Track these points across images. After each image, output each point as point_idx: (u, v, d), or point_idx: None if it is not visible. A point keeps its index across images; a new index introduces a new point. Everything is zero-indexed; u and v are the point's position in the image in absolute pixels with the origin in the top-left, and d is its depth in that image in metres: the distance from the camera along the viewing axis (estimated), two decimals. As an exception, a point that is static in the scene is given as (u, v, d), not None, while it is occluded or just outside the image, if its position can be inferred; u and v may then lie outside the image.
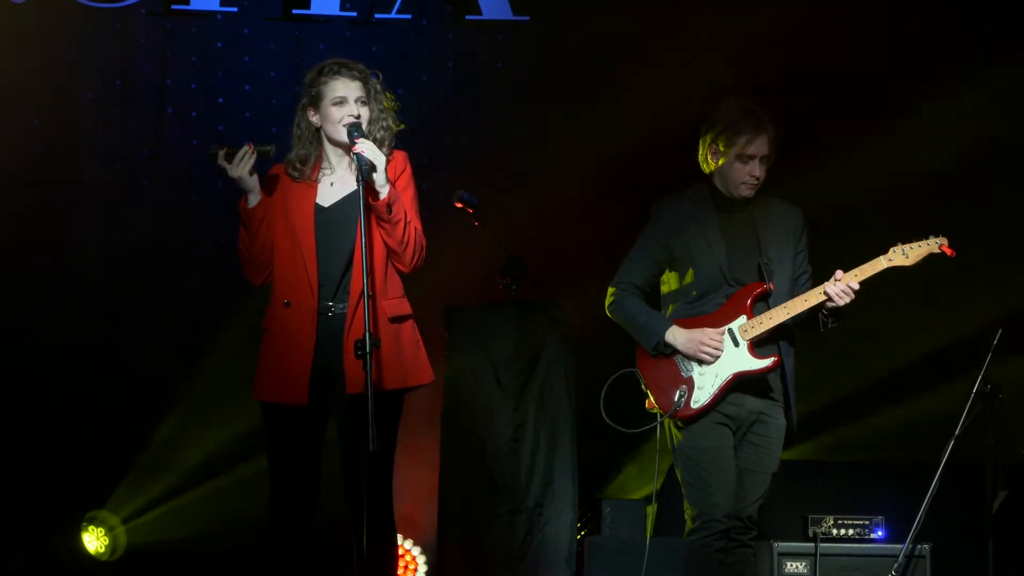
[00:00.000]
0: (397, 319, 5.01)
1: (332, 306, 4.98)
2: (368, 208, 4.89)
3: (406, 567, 7.49)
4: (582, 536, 7.04)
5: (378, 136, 5.01)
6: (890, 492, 6.97)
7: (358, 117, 4.98)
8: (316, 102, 5.03)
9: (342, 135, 4.98)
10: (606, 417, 5.53)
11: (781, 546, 6.49)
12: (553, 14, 8.04)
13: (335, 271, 4.99)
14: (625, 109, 7.89)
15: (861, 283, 5.36)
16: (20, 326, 7.61)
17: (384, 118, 5.05)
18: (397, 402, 5.03)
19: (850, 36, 7.88)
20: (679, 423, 5.45)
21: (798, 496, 6.85)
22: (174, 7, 7.93)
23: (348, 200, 5.01)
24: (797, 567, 6.48)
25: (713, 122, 5.51)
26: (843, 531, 6.59)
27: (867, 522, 6.61)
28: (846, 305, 5.36)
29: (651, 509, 6.89)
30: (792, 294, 5.46)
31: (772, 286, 5.43)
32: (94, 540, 7.57)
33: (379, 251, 4.99)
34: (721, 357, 5.39)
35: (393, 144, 5.07)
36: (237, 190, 5.03)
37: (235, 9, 7.97)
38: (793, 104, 7.17)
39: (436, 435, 7.05)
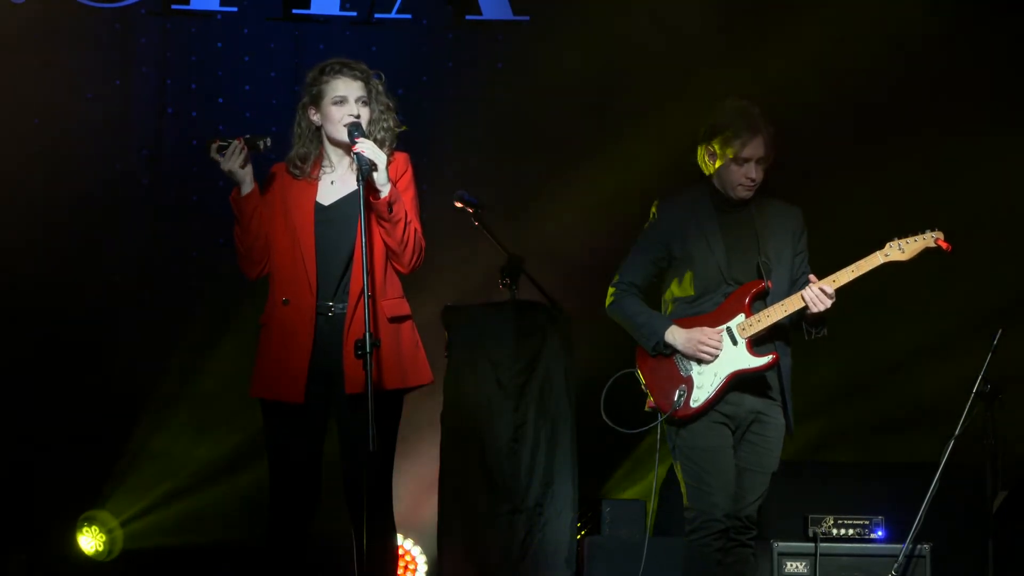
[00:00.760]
0: (396, 319, 5.01)
1: (332, 306, 4.98)
2: (368, 207, 4.89)
3: (406, 567, 7.49)
4: (582, 536, 7.04)
5: (379, 137, 5.01)
6: (890, 492, 6.97)
7: (358, 117, 4.98)
8: (317, 101, 5.03)
9: (342, 135, 4.98)
10: (606, 418, 5.53)
11: (781, 546, 6.49)
12: (553, 14, 8.04)
13: (334, 270, 4.99)
14: (625, 109, 7.89)
15: (858, 278, 5.36)
16: (20, 326, 7.61)
17: (385, 119, 5.05)
18: (396, 402, 5.03)
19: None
20: (679, 422, 5.45)
21: (798, 496, 6.85)
22: (174, 7, 7.93)
23: (349, 199, 5.01)
24: (797, 567, 6.49)
25: (710, 124, 5.51)
26: (843, 531, 6.59)
27: (867, 522, 6.61)
28: (827, 311, 5.35)
29: (651, 509, 6.89)
30: (791, 293, 5.45)
31: (770, 284, 5.43)
32: (91, 540, 7.57)
33: (379, 251, 4.99)
34: (720, 356, 5.39)
35: (394, 144, 5.07)
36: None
37: (235, 9, 7.97)
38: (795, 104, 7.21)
39: (436, 435, 7.04)
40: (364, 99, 5.01)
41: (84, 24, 7.85)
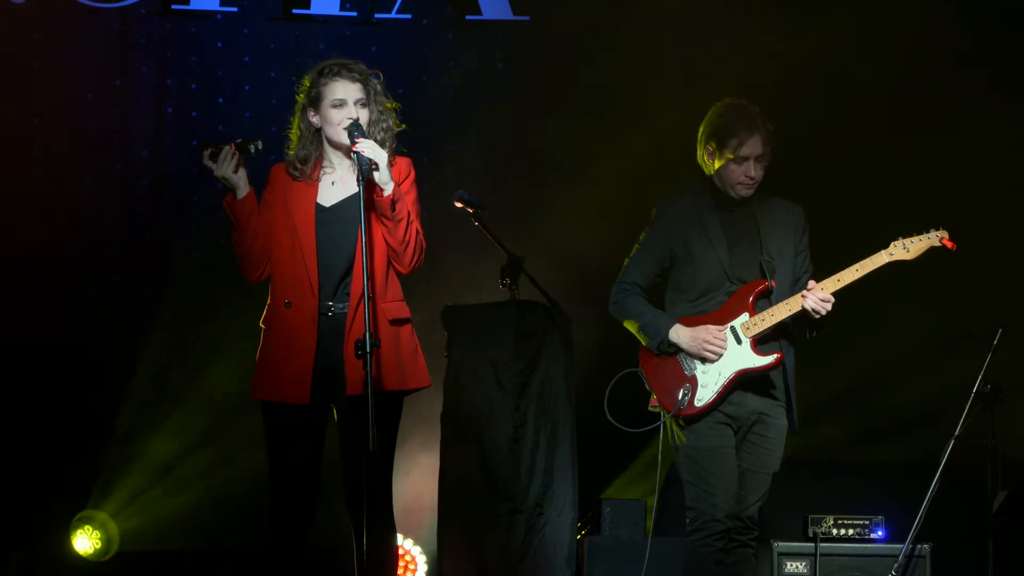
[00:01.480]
0: (397, 322, 5.01)
1: (332, 306, 4.98)
2: (369, 208, 4.89)
3: (406, 567, 7.49)
4: (582, 536, 7.04)
5: (378, 137, 5.01)
6: (890, 492, 6.97)
7: (356, 119, 4.97)
8: (316, 103, 5.02)
9: (342, 137, 4.98)
10: (610, 417, 5.53)
11: (781, 546, 6.49)
12: (553, 14, 8.04)
13: (335, 271, 4.99)
14: (625, 109, 7.89)
15: (862, 278, 5.36)
16: (20, 325, 7.61)
17: (384, 119, 5.05)
18: (396, 404, 5.03)
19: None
20: (681, 422, 5.45)
21: (798, 496, 6.85)
22: (174, 7, 7.93)
23: (349, 200, 5.01)
24: (797, 567, 6.49)
25: (708, 124, 5.52)
26: (843, 531, 6.59)
27: (867, 522, 6.61)
28: (828, 314, 5.36)
29: (652, 508, 6.89)
30: (793, 292, 5.46)
31: (774, 283, 5.43)
32: (87, 541, 7.56)
33: (380, 253, 4.99)
34: (724, 355, 5.39)
35: (394, 144, 5.07)
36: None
37: (235, 9, 7.97)
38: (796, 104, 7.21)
39: (436, 435, 7.04)
40: (363, 101, 5.01)
41: (84, 24, 7.84)
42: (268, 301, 5.08)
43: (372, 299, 4.89)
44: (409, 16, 8.06)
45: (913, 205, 7.51)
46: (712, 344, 5.38)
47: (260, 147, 4.99)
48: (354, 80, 5.01)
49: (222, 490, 7.62)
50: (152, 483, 7.72)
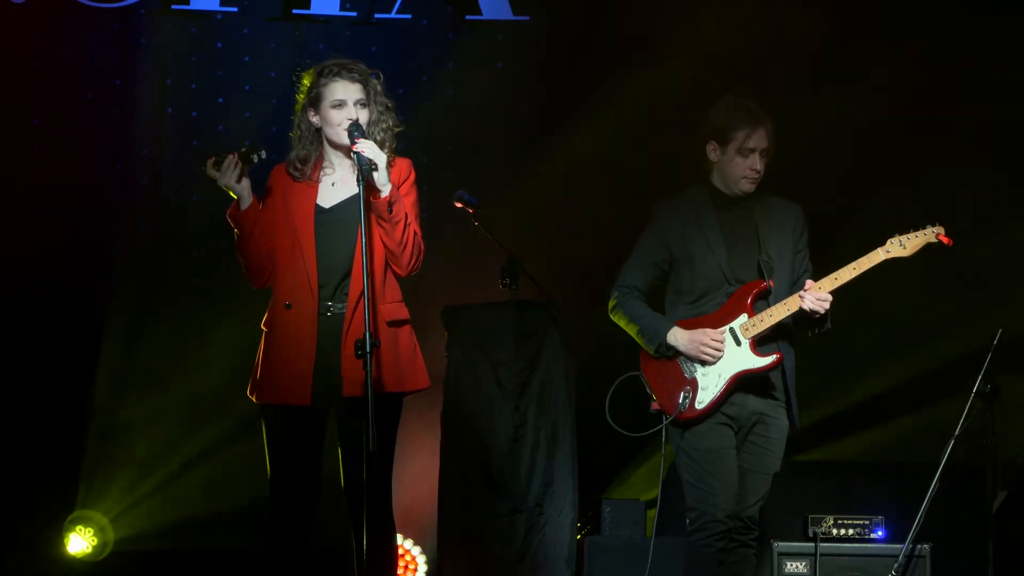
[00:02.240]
0: (395, 323, 5.00)
1: (331, 306, 4.98)
2: (369, 209, 4.89)
3: (406, 567, 7.49)
4: (582, 536, 7.04)
5: (378, 138, 5.00)
6: (890, 492, 6.97)
7: (357, 119, 4.97)
8: (316, 104, 5.02)
9: (342, 138, 4.98)
10: (611, 422, 5.53)
11: (781, 546, 6.49)
12: (553, 14, 8.04)
13: (335, 272, 4.98)
14: (625, 109, 7.89)
15: (859, 275, 5.36)
16: (19, 325, 7.61)
17: (384, 119, 5.04)
18: (395, 405, 5.03)
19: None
20: (683, 424, 5.45)
21: (798, 496, 6.85)
22: (174, 7, 7.92)
23: (349, 201, 5.00)
24: (797, 567, 6.48)
25: (711, 120, 5.53)
26: (843, 531, 6.59)
27: (867, 522, 6.61)
28: (827, 312, 5.35)
29: (655, 509, 6.89)
30: (793, 292, 5.46)
31: (772, 284, 5.43)
32: (82, 541, 7.56)
33: (379, 254, 4.98)
34: (723, 357, 5.39)
35: (394, 145, 5.06)
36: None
37: (235, 9, 7.97)
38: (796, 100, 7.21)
39: (436, 435, 7.04)
40: (363, 101, 5.00)
41: (84, 24, 7.84)
42: (269, 303, 5.09)
43: (371, 300, 4.89)
44: (409, 16, 8.05)
45: (913, 203, 7.51)
46: (710, 347, 5.38)
47: (263, 156, 4.98)
48: (354, 80, 5.00)
49: (221, 489, 7.62)
50: (147, 482, 7.70)
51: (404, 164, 5.07)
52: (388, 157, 4.98)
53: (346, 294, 4.97)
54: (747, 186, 5.48)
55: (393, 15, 8.04)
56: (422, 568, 7.55)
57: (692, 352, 5.41)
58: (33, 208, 7.66)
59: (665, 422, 5.46)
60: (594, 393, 5.61)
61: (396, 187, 4.96)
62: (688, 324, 5.44)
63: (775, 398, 5.49)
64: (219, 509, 7.57)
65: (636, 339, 5.53)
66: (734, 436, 5.46)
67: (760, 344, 5.40)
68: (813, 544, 6.49)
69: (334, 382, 4.95)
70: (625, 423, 5.53)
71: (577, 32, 8.00)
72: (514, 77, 8.09)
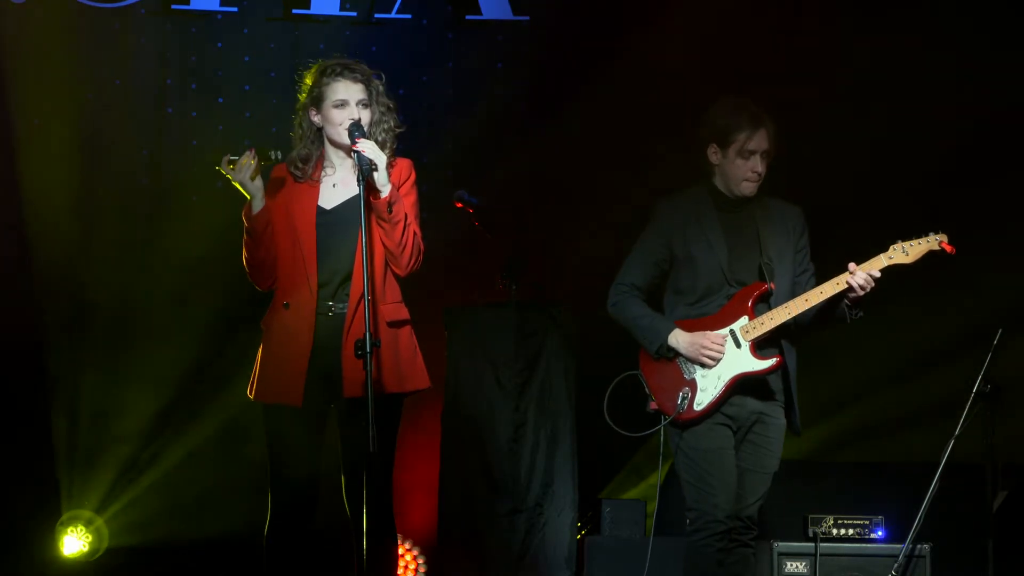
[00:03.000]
0: (395, 324, 5.00)
1: (332, 306, 4.98)
2: (369, 209, 4.89)
3: (406, 567, 7.50)
4: (582, 536, 7.04)
5: (379, 138, 5.01)
6: (890, 492, 6.97)
7: (358, 120, 4.97)
8: (318, 103, 5.02)
9: (343, 137, 4.98)
10: (610, 421, 5.53)
11: (781, 546, 6.49)
12: (553, 14, 8.04)
13: (336, 274, 4.99)
14: (625, 108, 7.88)
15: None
16: (18, 324, 7.61)
17: (386, 120, 5.05)
18: (395, 406, 5.03)
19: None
20: (681, 425, 5.44)
21: (798, 496, 6.85)
22: (174, 7, 7.92)
23: (350, 203, 5.01)
24: (797, 567, 6.48)
25: (711, 121, 5.52)
26: (843, 531, 6.59)
27: (867, 522, 6.61)
28: (867, 295, 5.35)
29: (652, 509, 6.89)
30: (793, 294, 5.46)
31: (773, 286, 5.43)
32: (77, 540, 7.55)
33: (379, 255, 4.99)
34: (723, 359, 5.39)
35: (395, 145, 5.06)
36: (239, 190, 5.03)
37: (235, 9, 7.96)
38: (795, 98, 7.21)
39: (436, 435, 7.04)
40: (365, 101, 5.00)
41: (84, 24, 7.84)
42: (270, 303, 5.09)
43: (371, 300, 4.89)
44: (409, 16, 8.05)
45: (913, 204, 7.51)
46: (710, 350, 5.37)
47: (279, 156, 4.99)
48: (356, 81, 5.00)
49: (220, 488, 7.61)
50: (144, 481, 7.70)
51: (404, 164, 5.07)
52: (388, 157, 4.98)
53: (346, 294, 4.97)
54: (748, 188, 5.48)
55: (393, 15, 8.04)
56: (422, 568, 7.55)
57: (692, 354, 5.40)
58: (33, 208, 7.65)
59: (664, 423, 5.46)
60: (594, 393, 5.61)
61: (396, 187, 4.96)
62: (688, 325, 5.44)
63: (774, 398, 5.49)
64: (218, 509, 7.56)
65: (635, 338, 5.53)
66: (733, 436, 5.46)
67: (760, 347, 5.40)
68: (813, 544, 6.49)
69: (335, 382, 4.95)
70: (625, 422, 5.53)
71: (577, 32, 8.00)
72: (514, 77, 8.09)
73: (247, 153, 4.92)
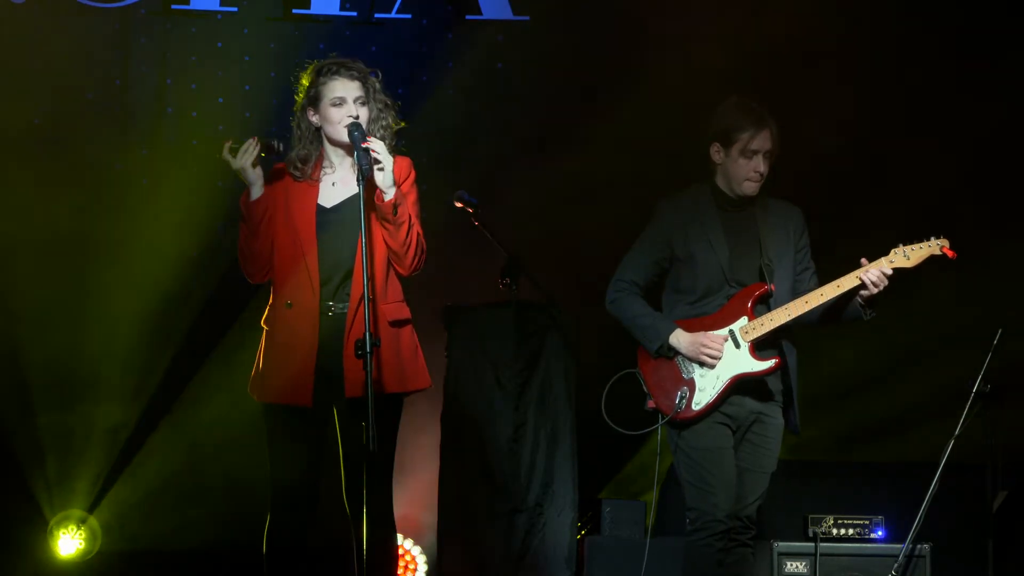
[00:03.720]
0: (397, 323, 5.01)
1: (332, 306, 4.98)
2: (369, 208, 4.89)
3: (406, 567, 7.49)
4: (582, 536, 7.04)
5: (377, 136, 5.01)
6: (890, 492, 6.97)
7: (356, 117, 4.97)
8: (315, 102, 5.02)
9: (342, 136, 4.98)
10: (607, 419, 5.53)
11: (781, 546, 6.49)
12: (553, 14, 8.04)
13: (337, 272, 4.99)
14: (625, 108, 7.88)
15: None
16: (18, 324, 7.61)
17: (384, 117, 5.05)
18: (396, 405, 5.03)
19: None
20: (679, 424, 5.44)
21: (798, 496, 6.85)
22: (174, 7, 7.92)
23: (351, 201, 5.01)
24: (797, 567, 6.49)
25: (714, 121, 5.53)
26: (843, 531, 6.59)
27: (867, 522, 6.62)
28: (880, 293, 5.35)
29: (651, 509, 6.89)
30: (794, 293, 5.46)
31: (773, 287, 5.43)
32: (72, 540, 7.54)
33: (380, 254, 4.99)
34: (722, 359, 5.39)
35: (394, 142, 5.07)
36: (237, 188, 5.03)
37: (235, 9, 7.96)
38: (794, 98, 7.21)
39: (436, 435, 7.04)
40: (362, 99, 5.01)
41: (84, 24, 7.84)
42: (269, 302, 5.09)
43: (372, 300, 4.90)
44: (409, 16, 8.05)
45: (914, 205, 7.51)
46: (710, 349, 5.38)
47: (281, 148, 5.00)
48: (353, 78, 5.01)
49: (218, 488, 7.61)
50: (142, 480, 7.69)
51: (404, 163, 5.08)
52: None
53: (347, 294, 4.97)
54: (750, 188, 5.48)
55: (393, 15, 8.04)
56: (422, 568, 7.55)
57: (692, 354, 5.41)
58: (32, 208, 7.65)
59: (661, 422, 5.46)
60: (594, 393, 5.61)
61: (399, 186, 4.96)
62: (688, 324, 5.44)
63: (773, 398, 5.49)
64: (216, 508, 7.55)
65: (634, 336, 5.53)
66: (732, 436, 5.46)
67: (759, 348, 5.40)
68: (813, 544, 6.49)
69: (336, 382, 4.95)
70: (623, 420, 5.53)
71: (577, 32, 8.00)
72: (514, 77, 8.09)
73: (250, 141, 4.93)
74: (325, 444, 5.04)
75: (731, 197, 5.52)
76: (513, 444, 6.90)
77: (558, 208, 7.89)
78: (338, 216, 5.01)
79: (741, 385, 5.42)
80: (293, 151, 5.08)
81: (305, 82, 5.05)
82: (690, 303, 5.49)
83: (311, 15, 8.02)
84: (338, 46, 7.51)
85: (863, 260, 5.36)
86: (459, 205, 6.94)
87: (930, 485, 6.26)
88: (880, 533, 6.62)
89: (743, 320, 5.40)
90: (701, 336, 5.40)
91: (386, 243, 4.97)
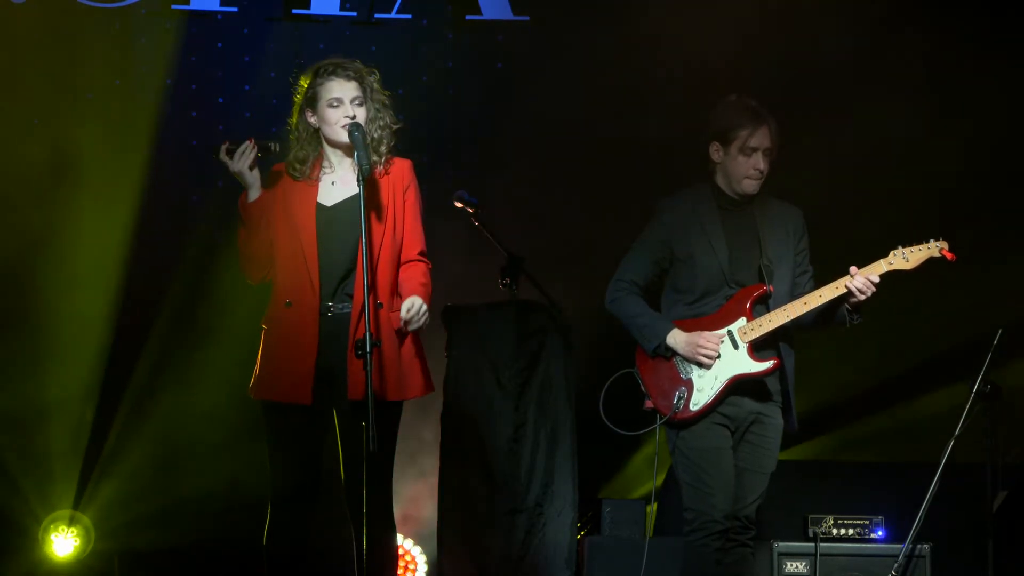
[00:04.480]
0: (402, 331, 5.01)
1: (332, 306, 4.98)
2: (369, 208, 4.90)
3: (406, 567, 7.50)
4: (582, 536, 7.04)
5: (376, 135, 5.01)
6: (890, 492, 6.97)
7: (354, 118, 4.98)
8: (313, 103, 5.03)
9: (340, 136, 4.99)
10: (605, 419, 5.53)
11: (781, 546, 6.49)
12: (553, 14, 8.04)
13: (337, 271, 4.99)
14: (626, 108, 7.89)
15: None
16: (18, 324, 7.62)
17: (381, 116, 5.05)
18: (396, 409, 5.04)
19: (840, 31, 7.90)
20: (678, 425, 5.44)
21: (798, 496, 6.85)
22: (174, 7, 7.93)
23: (351, 201, 5.01)
24: (797, 567, 6.49)
25: (713, 120, 5.53)
26: (843, 531, 6.60)
27: (867, 522, 6.62)
28: (867, 300, 5.35)
29: (651, 509, 6.89)
30: (791, 296, 5.46)
31: (772, 288, 5.43)
32: (66, 540, 7.53)
33: (385, 259, 5.00)
34: (720, 359, 5.38)
35: (392, 142, 5.07)
36: (237, 188, 5.04)
37: (235, 9, 7.97)
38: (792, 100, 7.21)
39: (436, 435, 7.04)
40: (359, 99, 5.01)
41: (84, 24, 7.84)
42: (269, 301, 5.09)
43: (376, 304, 4.91)
44: (409, 16, 8.06)
45: (915, 206, 7.52)
46: (706, 349, 5.37)
47: (277, 148, 5.01)
48: (350, 78, 5.01)
49: (216, 488, 7.61)
50: (139, 480, 7.69)
51: (405, 166, 5.09)
52: (387, 155, 5.01)
53: (347, 294, 4.98)
54: (750, 186, 5.47)
55: (393, 15, 8.05)
56: (422, 568, 7.55)
57: (689, 354, 5.40)
58: (32, 208, 7.65)
59: (659, 422, 5.46)
60: (594, 393, 5.61)
61: (403, 191, 4.98)
62: (686, 325, 5.44)
63: (772, 398, 5.48)
64: (215, 508, 7.55)
65: (632, 335, 5.53)
66: (730, 436, 5.46)
67: (758, 348, 5.40)
68: (813, 544, 6.50)
69: (337, 383, 4.96)
70: (622, 420, 5.53)
71: (577, 32, 8.00)
72: (514, 77, 8.09)
73: (246, 143, 4.93)
74: (325, 443, 5.04)
75: (731, 196, 5.52)
76: (513, 444, 6.90)
77: (558, 208, 7.90)
78: (338, 215, 5.01)
79: (740, 386, 5.41)
80: (291, 152, 5.08)
81: (303, 83, 5.05)
82: (689, 303, 5.49)
83: (311, 15, 8.02)
84: (338, 46, 7.55)
85: (852, 268, 5.36)
86: (459, 205, 6.94)
87: (930, 485, 6.27)
88: (880, 533, 6.62)
89: (741, 321, 5.40)
90: (697, 336, 5.39)
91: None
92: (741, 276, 5.46)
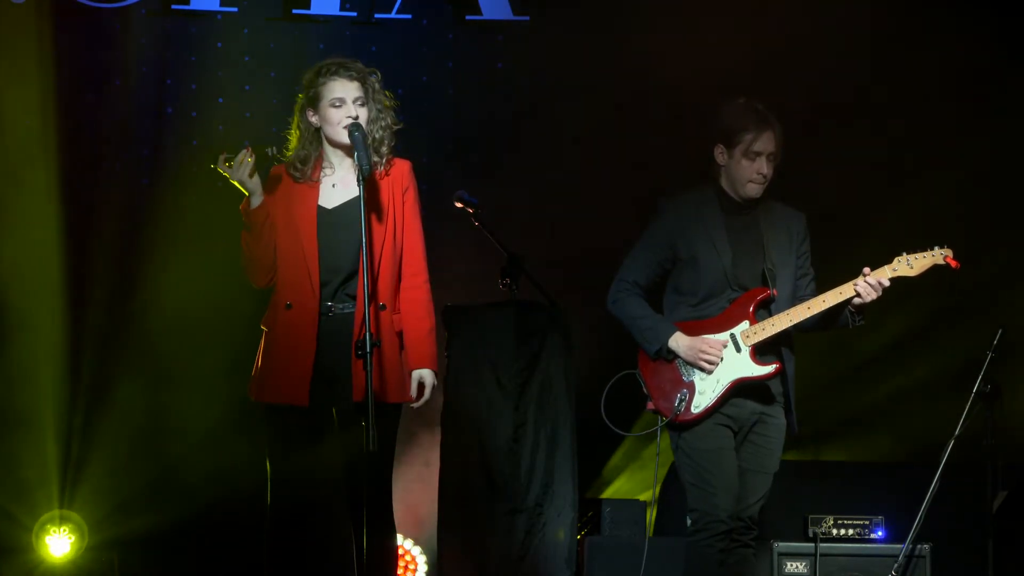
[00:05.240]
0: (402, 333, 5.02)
1: (332, 306, 4.98)
2: (369, 208, 4.90)
3: (406, 567, 7.50)
4: (582, 536, 7.04)
5: (377, 136, 5.02)
6: (890, 492, 6.97)
7: (356, 118, 4.98)
8: (314, 103, 5.03)
9: (341, 137, 4.99)
10: (606, 419, 5.53)
11: (781, 546, 6.50)
12: (553, 14, 8.04)
13: (338, 273, 4.99)
14: (626, 109, 7.89)
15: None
16: (16, 324, 7.61)
17: (383, 117, 5.06)
18: (396, 410, 5.04)
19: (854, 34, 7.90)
20: (679, 426, 5.44)
21: (798, 496, 6.86)
22: (174, 7, 7.93)
23: (352, 203, 5.01)
24: (797, 567, 6.49)
25: (718, 122, 5.51)
26: (843, 531, 6.60)
27: (867, 522, 6.62)
28: (871, 303, 5.35)
29: (651, 509, 6.90)
30: (793, 300, 5.45)
31: (775, 292, 5.42)
32: (62, 540, 7.52)
33: (386, 260, 5.00)
34: (723, 363, 5.38)
35: (393, 143, 5.08)
36: (237, 189, 5.03)
37: (235, 9, 7.97)
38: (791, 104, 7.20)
39: (436, 435, 7.04)
40: (361, 99, 5.01)
41: (84, 24, 7.84)
42: (269, 303, 5.09)
43: (376, 304, 4.91)
44: (409, 16, 8.06)
45: (916, 209, 7.52)
46: (708, 355, 5.37)
47: (275, 152, 5.01)
48: (352, 79, 5.01)
49: (216, 487, 7.60)
50: (138, 480, 7.68)
51: (405, 167, 5.09)
52: (387, 155, 5.01)
53: (348, 295, 4.98)
54: (753, 190, 5.46)
55: (393, 15, 8.04)
56: (422, 568, 7.55)
57: (691, 358, 5.40)
58: (32, 208, 7.65)
59: (661, 424, 5.46)
60: (594, 393, 5.61)
61: (402, 193, 4.99)
62: (689, 327, 5.43)
63: (775, 399, 5.48)
64: (214, 508, 7.55)
65: (634, 337, 5.52)
66: (733, 437, 5.46)
67: (760, 352, 5.39)
68: (813, 544, 6.50)
69: (338, 384, 4.96)
70: (623, 421, 5.53)
71: (577, 32, 8.00)
72: (514, 77, 8.09)
73: (243, 151, 4.93)
74: (324, 444, 5.04)
75: (735, 199, 5.50)
76: (513, 444, 6.90)
77: (558, 208, 7.89)
78: (340, 217, 5.01)
79: (742, 387, 5.41)
80: (292, 152, 5.08)
81: (305, 83, 5.05)
82: (692, 305, 5.48)
83: (311, 15, 8.02)
84: (338, 46, 7.55)
85: (865, 269, 5.35)
86: (459, 205, 6.94)
87: (930, 485, 6.27)
88: (880, 533, 6.62)
89: (744, 324, 5.40)
90: (700, 341, 5.39)
91: None
92: (744, 279, 5.45)
